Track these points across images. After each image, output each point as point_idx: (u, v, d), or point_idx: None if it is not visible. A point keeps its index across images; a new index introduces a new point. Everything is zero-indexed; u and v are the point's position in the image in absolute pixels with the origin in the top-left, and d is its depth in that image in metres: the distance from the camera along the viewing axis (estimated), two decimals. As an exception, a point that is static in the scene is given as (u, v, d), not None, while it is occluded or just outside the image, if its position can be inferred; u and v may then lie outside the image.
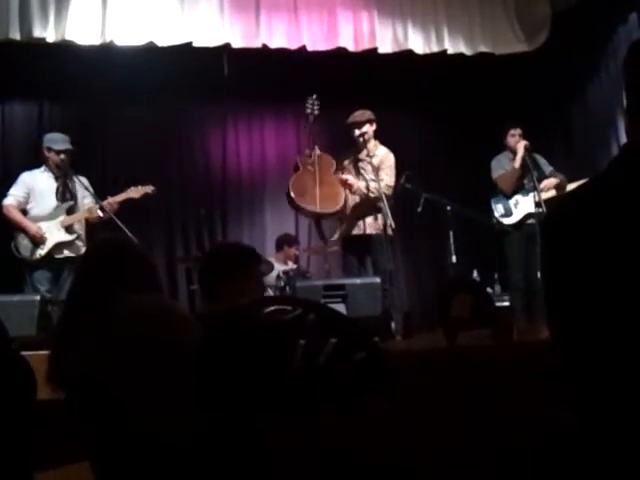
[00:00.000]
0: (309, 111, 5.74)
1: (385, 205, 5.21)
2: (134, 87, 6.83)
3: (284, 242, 6.82)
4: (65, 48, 6.06)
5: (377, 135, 5.73)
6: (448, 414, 2.49)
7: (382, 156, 5.65)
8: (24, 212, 5.42)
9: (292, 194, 5.57)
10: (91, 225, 5.53)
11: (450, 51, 6.68)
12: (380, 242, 5.40)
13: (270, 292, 6.03)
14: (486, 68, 6.91)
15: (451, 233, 5.94)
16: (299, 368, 1.59)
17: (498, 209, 5.96)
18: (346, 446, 1.56)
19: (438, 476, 2.31)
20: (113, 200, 5.39)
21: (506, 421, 2.50)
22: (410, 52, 6.62)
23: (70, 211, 5.47)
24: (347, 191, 5.60)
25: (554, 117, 7.15)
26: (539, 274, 4.78)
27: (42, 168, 5.54)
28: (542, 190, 5.63)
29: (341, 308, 4.68)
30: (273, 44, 6.36)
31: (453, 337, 3.35)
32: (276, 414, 1.57)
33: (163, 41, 6.09)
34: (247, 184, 7.50)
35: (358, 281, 5.05)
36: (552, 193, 5.75)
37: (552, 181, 5.84)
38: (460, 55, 6.72)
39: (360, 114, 5.66)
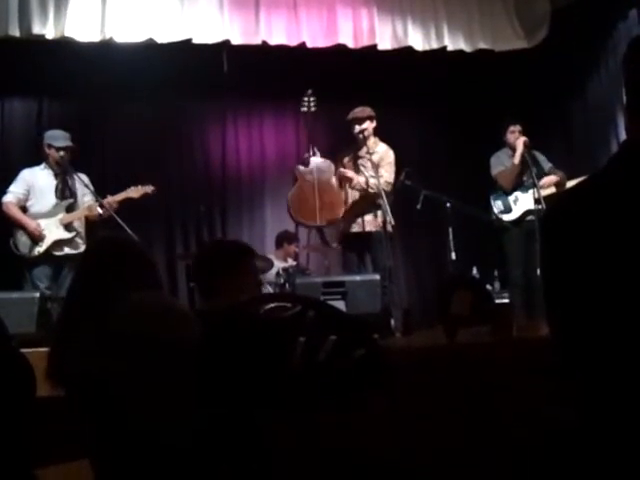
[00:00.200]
0: (305, 109, 5.73)
1: (384, 202, 5.21)
2: (134, 84, 6.82)
3: (284, 239, 6.81)
4: (64, 45, 6.05)
5: (377, 132, 5.73)
6: (448, 411, 2.50)
7: (382, 153, 5.65)
8: (24, 209, 5.42)
9: (292, 211, 5.59)
10: (91, 223, 5.52)
11: (450, 48, 6.67)
12: (380, 239, 5.40)
13: (269, 289, 6.04)
14: (486, 65, 6.91)
15: (450, 230, 5.93)
16: (299, 365, 1.59)
17: (497, 205, 5.96)
18: (346, 444, 1.56)
19: (438, 473, 2.31)
20: (112, 199, 5.39)
21: (506, 418, 2.50)
22: (410, 49, 6.62)
23: (70, 209, 5.47)
24: (347, 186, 5.60)
25: (554, 114, 7.15)
26: (538, 271, 4.79)
27: (42, 165, 5.54)
28: (542, 187, 5.64)
29: (341, 305, 4.69)
30: (273, 41, 6.36)
31: (453, 334, 3.35)
32: (276, 411, 1.57)
33: (163, 38, 6.08)
34: (247, 181, 7.49)
35: (358, 278, 5.06)
36: (552, 190, 5.75)
37: (552, 178, 5.85)
38: (460, 52, 6.71)
39: (360, 110, 5.65)
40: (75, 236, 5.43)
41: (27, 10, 5.80)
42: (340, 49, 6.52)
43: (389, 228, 5.27)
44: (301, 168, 5.64)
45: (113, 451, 1.77)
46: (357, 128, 5.60)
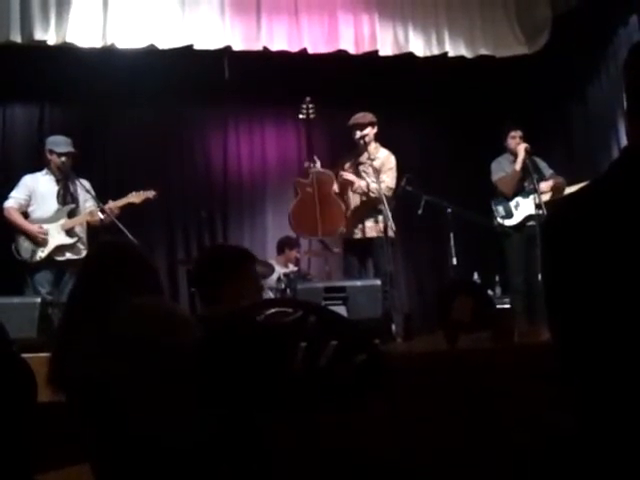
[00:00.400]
0: (303, 116, 5.72)
1: (386, 207, 5.21)
2: (135, 90, 6.84)
3: (285, 244, 6.81)
4: (66, 51, 6.06)
5: (378, 137, 5.73)
6: (449, 416, 2.49)
7: (383, 158, 5.65)
8: (25, 215, 5.43)
9: (293, 224, 5.59)
10: (92, 228, 5.52)
11: (451, 54, 6.68)
12: (381, 245, 5.40)
13: (270, 294, 6.04)
14: (487, 71, 6.91)
15: (452, 235, 5.94)
16: (300, 370, 1.59)
17: (499, 211, 5.96)
18: (346, 445, 1.56)
19: (438, 477, 2.31)
20: (114, 205, 5.39)
21: (506, 423, 2.50)
22: (411, 55, 6.63)
23: (71, 214, 5.47)
24: (349, 191, 5.61)
25: (554, 119, 7.16)
26: (539, 276, 4.79)
27: (44, 171, 5.55)
28: (540, 192, 5.64)
29: (342, 310, 4.68)
30: (274, 47, 6.37)
31: (454, 339, 3.35)
32: (276, 416, 1.57)
33: (164, 44, 6.09)
34: (248, 186, 7.50)
35: (359, 283, 5.05)
36: (548, 196, 5.75)
37: (548, 183, 5.84)
38: (461, 58, 6.72)
39: (361, 116, 5.65)
40: (77, 241, 5.44)
41: (29, 16, 5.81)
42: (341, 55, 6.53)
43: (390, 233, 5.27)
44: (301, 180, 5.63)
45: (114, 454, 1.77)
46: (358, 134, 5.60)
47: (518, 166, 5.85)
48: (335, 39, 6.48)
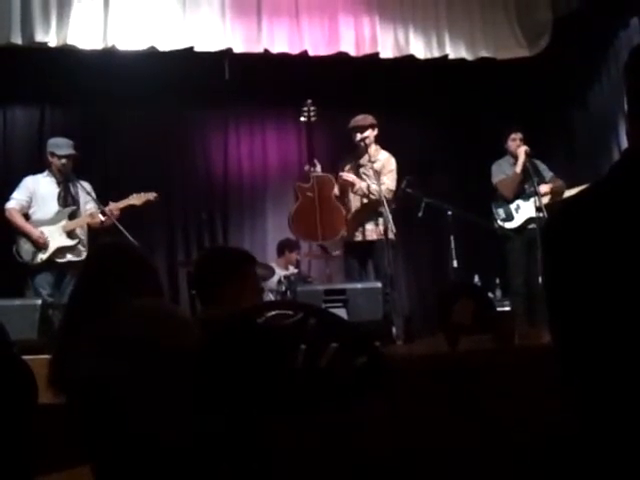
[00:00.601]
0: (305, 119, 5.72)
1: (386, 209, 5.21)
2: (135, 92, 6.84)
3: (285, 247, 6.81)
4: (67, 53, 6.07)
5: (378, 140, 5.73)
6: (449, 419, 2.49)
7: (384, 160, 5.65)
8: (26, 216, 5.43)
9: (293, 228, 5.59)
10: (93, 230, 5.52)
11: (451, 56, 6.68)
12: (382, 247, 5.39)
13: (271, 296, 6.04)
14: (487, 73, 6.92)
15: (452, 238, 5.94)
16: (300, 373, 1.59)
17: (499, 213, 5.97)
18: (346, 445, 1.56)
19: (439, 479, 2.31)
20: (115, 207, 5.39)
21: (507, 425, 2.50)
22: (411, 57, 6.63)
23: (72, 216, 5.48)
24: (349, 192, 5.61)
25: (555, 121, 7.16)
26: (540, 278, 4.79)
27: (45, 173, 5.55)
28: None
29: (342, 313, 4.68)
30: (274, 49, 6.37)
31: (454, 342, 3.35)
32: (277, 417, 1.57)
33: (164, 46, 6.10)
34: (248, 188, 7.50)
35: (359, 286, 5.06)
36: (547, 199, 5.75)
37: (547, 186, 5.85)
38: (461, 60, 6.72)
39: (362, 119, 5.65)
40: (77, 243, 5.44)
41: (29, 18, 5.82)
42: (342, 57, 6.54)
43: (391, 236, 5.27)
44: (302, 185, 5.63)
45: (114, 456, 1.77)
46: (358, 136, 5.61)
47: (518, 169, 5.86)
48: (336, 41, 6.48)
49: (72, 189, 5.53)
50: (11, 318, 3.86)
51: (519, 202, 5.90)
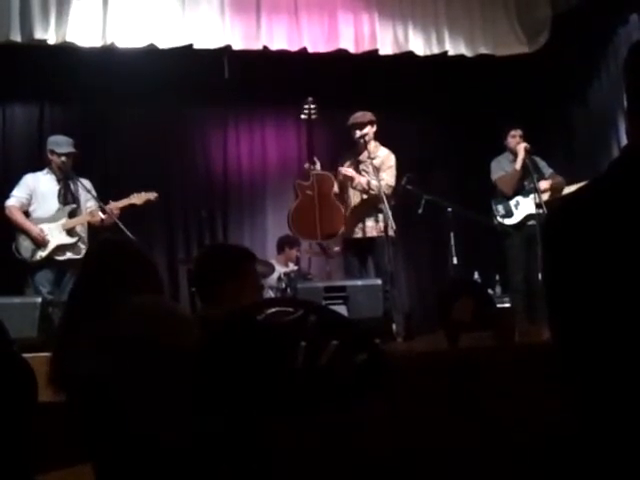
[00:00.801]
0: (305, 117, 5.71)
1: (386, 205, 5.21)
2: (135, 89, 6.83)
3: (285, 244, 6.81)
4: (66, 50, 6.06)
5: (378, 136, 5.73)
6: (449, 416, 2.49)
7: (383, 157, 5.65)
8: (26, 214, 5.43)
9: (292, 226, 5.59)
10: (93, 228, 5.52)
11: (451, 53, 6.68)
12: (382, 244, 5.39)
13: (271, 294, 6.04)
14: (487, 70, 6.91)
15: (452, 234, 5.94)
16: (300, 370, 1.59)
17: (499, 210, 5.97)
18: (346, 444, 1.56)
19: (439, 477, 2.31)
20: (115, 205, 5.39)
21: (507, 423, 2.50)
22: (411, 54, 6.63)
23: (72, 214, 5.48)
24: (349, 188, 5.61)
25: (554, 118, 7.15)
26: (540, 275, 4.79)
27: (45, 170, 5.55)
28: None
29: (342, 310, 4.68)
30: (274, 46, 6.36)
31: (455, 339, 3.35)
32: (277, 416, 1.57)
33: (164, 43, 6.09)
34: (248, 186, 7.50)
35: (359, 283, 5.05)
36: (546, 195, 5.75)
37: (546, 183, 5.84)
38: (461, 57, 6.72)
39: (361, 115, 5.65)
40: (77, 241, 5.44)
41: (29, 15, 5.81)
42: (341, 54, 6.53)
43: (391, 233, 5.27)
44: (302, 182, 5.62)
45: (114, 454, 1.77)
46: (358, 133, 5.60)
47: (518, 165, 5.86)
48: (335, 38, 6.48)
49: (72, 187, 5.53)
50: (11, 316, 3.86)
51: (519, 199, 5.90)
